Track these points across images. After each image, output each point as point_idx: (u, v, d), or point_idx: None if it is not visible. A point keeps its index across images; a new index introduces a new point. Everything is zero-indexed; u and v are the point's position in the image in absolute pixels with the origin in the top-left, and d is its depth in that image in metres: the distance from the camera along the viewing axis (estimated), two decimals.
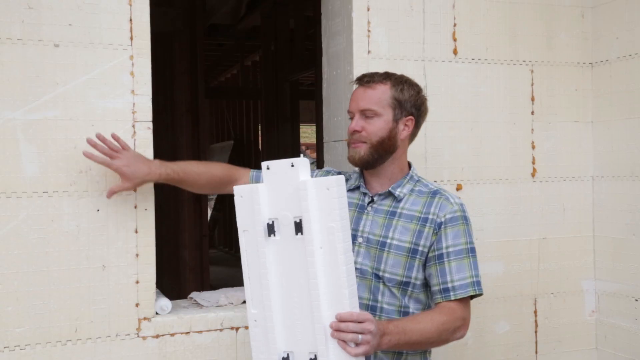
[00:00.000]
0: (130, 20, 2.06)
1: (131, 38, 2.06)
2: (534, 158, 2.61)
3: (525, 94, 2.60)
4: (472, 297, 1.83)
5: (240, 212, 1.71)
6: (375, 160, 1.88)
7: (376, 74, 1.91)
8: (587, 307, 2.69)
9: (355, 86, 1.94)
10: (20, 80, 1.95)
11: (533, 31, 2.60)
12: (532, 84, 2.60)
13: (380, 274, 1.85)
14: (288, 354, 1.65)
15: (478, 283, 1.82)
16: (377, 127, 1.86)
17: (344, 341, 1.57)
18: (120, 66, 2.05)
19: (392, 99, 1.87)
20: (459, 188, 2.48)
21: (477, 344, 2.53)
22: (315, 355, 1.60)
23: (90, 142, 1.95)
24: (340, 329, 1.57)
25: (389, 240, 1.85)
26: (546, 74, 2.62)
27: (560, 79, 2.64)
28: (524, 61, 2.59)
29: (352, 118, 1.89)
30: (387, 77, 1.90)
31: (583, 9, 2.67)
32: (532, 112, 2.61)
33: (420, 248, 1.83)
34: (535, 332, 2.62)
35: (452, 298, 1.79)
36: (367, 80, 1.89)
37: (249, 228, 1.69)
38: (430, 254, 1.83)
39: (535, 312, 2.62)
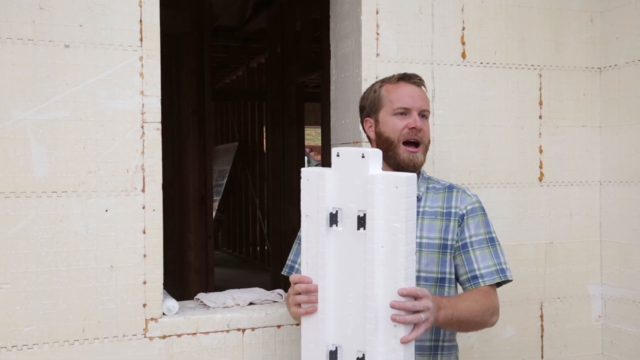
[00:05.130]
0: (141, 21, 2.07)
1: (141, 39, 2.07)
2: (541, 162, 2.61)
3: (533, 98, 2.59)
4: (498, 285, 1.87)
5: (305, 196, 1.66)
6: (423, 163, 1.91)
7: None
8: (594, 312, 2.68)
9: (399, 83, 1.89)
10: (31, 80, 1.96)
11: (542, 35, 2.60)
12: (540, 88, 2.60)
13: (416, 274, 1.85)
14: (337, 348, 1.60)
15: (502, 270, 1.85)
16: (429, 129, 1.91)
17: (405, 324, 1.49)
18: (130, 67, 2.06)
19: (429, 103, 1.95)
20: None
21: (483, 348, 2.52)
22: (364, 355, 1.54)
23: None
24: (406, 307, 1.49)
25: (418, 240, 1.84)
26: (554, 79, 2.62)
27: (569, 84, 2.64)
28: (532, 65, 2.59)
29: (404, 113, 1.86)
30: None
31: (592, 13, 2.67)
32: (540, 117, 2.60)
33: (449, 242, 1.86)
34: (542, 336, 2.62)
35: (482, 284, 1.83)
36: (418, 80, 1.91)
37: (311, 213, 1.64)
38: (456, 245, 1.87)
39: (541, 316, 2.62)
